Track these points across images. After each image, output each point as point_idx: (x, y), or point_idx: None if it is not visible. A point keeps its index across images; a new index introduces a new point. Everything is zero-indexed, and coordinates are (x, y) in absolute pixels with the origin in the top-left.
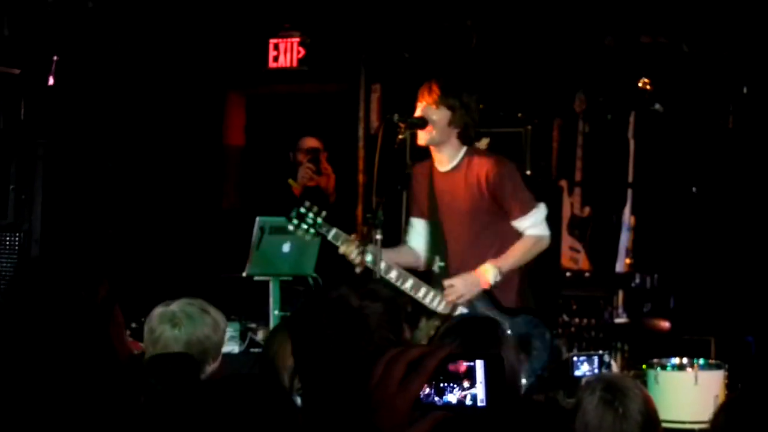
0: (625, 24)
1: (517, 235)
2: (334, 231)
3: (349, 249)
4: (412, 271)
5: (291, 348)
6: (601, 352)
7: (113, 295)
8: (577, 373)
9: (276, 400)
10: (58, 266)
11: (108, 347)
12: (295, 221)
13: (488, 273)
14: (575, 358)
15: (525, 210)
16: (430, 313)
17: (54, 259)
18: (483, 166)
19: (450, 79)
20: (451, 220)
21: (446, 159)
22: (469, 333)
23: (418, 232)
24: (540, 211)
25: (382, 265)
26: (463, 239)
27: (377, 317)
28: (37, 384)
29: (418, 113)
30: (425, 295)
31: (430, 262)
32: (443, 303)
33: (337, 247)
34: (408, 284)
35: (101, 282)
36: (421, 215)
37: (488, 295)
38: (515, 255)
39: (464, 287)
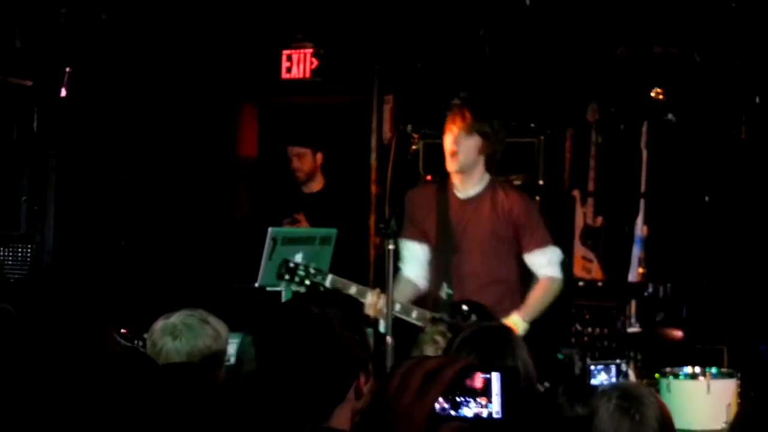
0: (637, 34)
1: (528, 274)
2: (330, 277)
3: (349, 292)
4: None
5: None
6: (618, 361)
7: (107, 310)
8: (594, 382)
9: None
10: (56, 279)
11: (106, 357)
12: (287, 276)
13: (518, 326)
14: (592, 367)
15: (542, 244)
16: (435, 318)
17: (53, 273)
18: (510, 198)
19: (480, 105)
20: (466, 249)
21: (470, 186)
22: (485, 344)
23: (416, 258)
24: (556, 252)
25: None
26: (475, 270)
27: (339, 321)
28: (33, 388)
29: (449, 143)
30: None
31: (437, 288)
32: None
33: (348, 256)
34: (399, 309)
35: (95, 297)
36: (423, 240)
37: (482, 308)
38: (537, 302)
39: None
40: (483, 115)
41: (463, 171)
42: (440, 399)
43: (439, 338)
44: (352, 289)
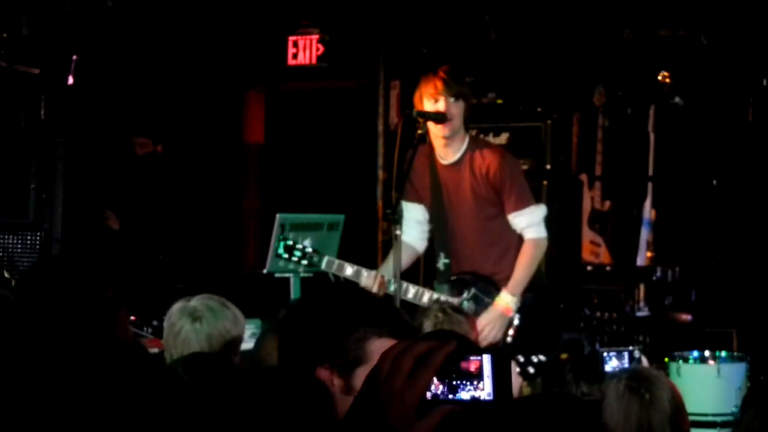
0: (643, 17)
1: (517, 234)
2: (326, 259)
3: (345, 274)
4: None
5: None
6: (631, 348)
7: (120, 297)
8: (607, 368)
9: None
10: (69, 267)
11: (114, 344)
12: (285, 255)
13: (509, 303)
14: (605, 354)
15: (520, 205)
16: (439, 300)
17: (65, 260)
18: (487, 158)
19: (453, 67)
20: (457, 214)
21: (452, 151)
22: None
23: (414, 218)
24: (537, 211)
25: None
26: (469, 234)
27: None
28: (42, 378)
29: (440, 107)
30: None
31: (434, 258)
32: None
33: (357, 242)
34: (419, 295)
35: (108, 284)
36: (420, 201)
37: (492, 285)
38: (523, 271)
39: (495, 325)
40: (459, 78)
41: (452, 136)
42: (437, 383)
43: (440, 315)
44: (348, 271)
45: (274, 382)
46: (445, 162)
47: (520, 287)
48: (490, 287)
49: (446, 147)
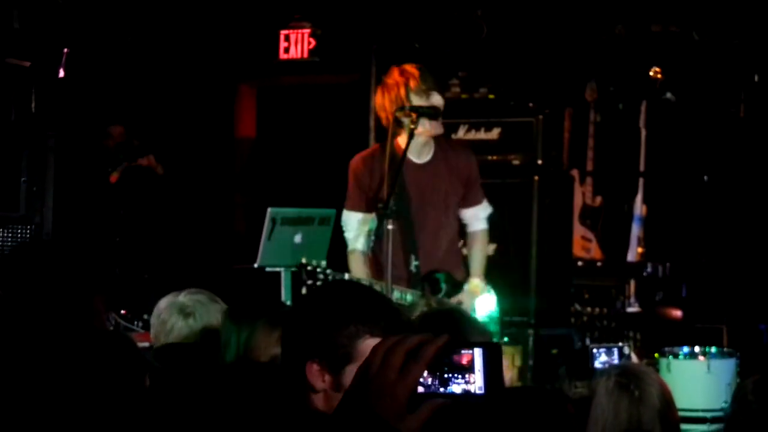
0: (635, 13)
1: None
2: (347, 278)
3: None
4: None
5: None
6: (621, 344)
7: (94, 284)
8: (597, 364)
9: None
10: (43, 255)
11: (92, 330)
12: (310, 280)
13: (481, 289)
14: (594, 350)
15: (482, 199)
16: (425, 294)
17: (40, 249)
18: (459, 151)
19: (423, 63)
20: (428, 213)
21: (426, 149)
22: (433, 329)
23: (365, 230)
24: (489, 205)
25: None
26: (437, 232)
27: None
28: (20, 365)
29: (434, 102)
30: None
31: (405, 262)
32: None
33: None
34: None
35: (82, 272)
36: (372, 210)
37: (453, 277)
38: (485, 258)
39: (467, 303)
40: (432, 73)
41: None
42: (428, 376)
43: (426, 311)
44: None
45: (251, 376)
46: (418, 161)
47: (483, 271)
48: (454, 279)
49: (423, 146)
